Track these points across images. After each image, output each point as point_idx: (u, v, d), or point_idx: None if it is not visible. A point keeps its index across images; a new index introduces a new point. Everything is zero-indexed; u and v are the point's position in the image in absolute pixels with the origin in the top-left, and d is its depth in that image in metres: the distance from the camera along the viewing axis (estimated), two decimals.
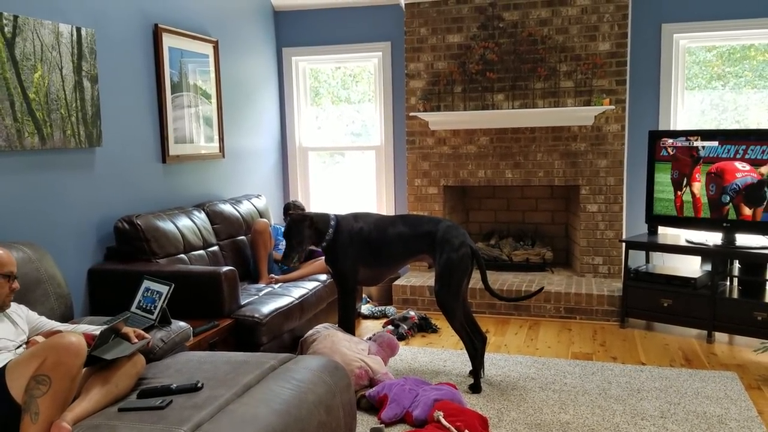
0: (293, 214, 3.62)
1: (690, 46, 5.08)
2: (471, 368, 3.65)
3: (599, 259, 5.05)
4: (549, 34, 4.94)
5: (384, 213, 5.81)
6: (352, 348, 3.44)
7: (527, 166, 5.11)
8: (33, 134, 3.16)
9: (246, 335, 3.42)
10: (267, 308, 3.55)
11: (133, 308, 2.92)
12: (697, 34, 4.95)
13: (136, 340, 2.44)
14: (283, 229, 4.72)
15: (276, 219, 5.73)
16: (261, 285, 4.11)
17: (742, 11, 4.83)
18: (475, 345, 3.51)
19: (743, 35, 4.90)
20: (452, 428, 2.80)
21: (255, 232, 4.29)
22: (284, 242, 4.62)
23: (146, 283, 2.95)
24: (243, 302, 3.62)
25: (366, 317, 4.96)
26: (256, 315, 3.45)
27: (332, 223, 3.61)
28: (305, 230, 3.56)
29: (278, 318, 3.57)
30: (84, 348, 2.11)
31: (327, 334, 3.51)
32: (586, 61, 4.87)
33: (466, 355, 3.98)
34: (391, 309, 4.98)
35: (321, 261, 4.38)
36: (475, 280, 5.03)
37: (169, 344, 2.76)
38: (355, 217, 3.67)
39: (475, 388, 3.46)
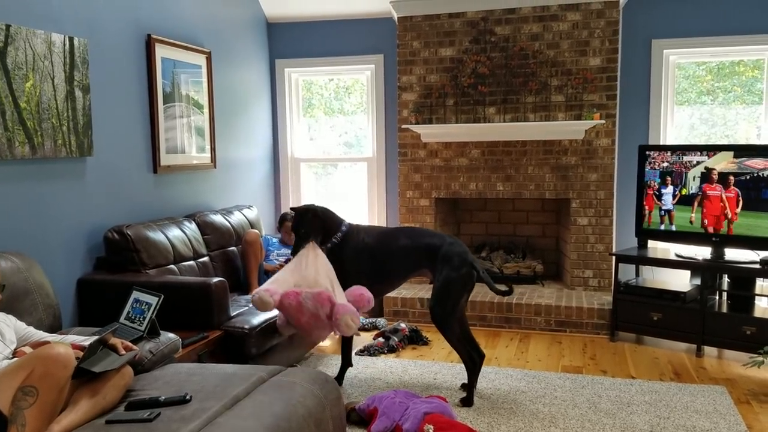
0: (308, 207, 3.65)
1: (680, 62, 5.13)
2: (465, 382, 3.64)
3: (589, 272, 5.07)
4: (540, 49, 4.98)
5: (375, 224, 5.81)
6: (329, 282, 3.43)
7: (518, 179, 5.13)
8: (24, 143, 3.15)
9: (235, 347, 3.40)
10: (256, 320, 3.54)
11: (122, 319, 2.90)
12: (687, 50, 5.01)
13: (123, 352, 2.42)
14: (273, 239, 4.72)
15: (267, 230, 5.71)
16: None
17: (731, 28, 4.89)
18: (474, 359, 3.52)
19: (732, 51, 4.96)
20: None
21: (246, 243, 4.28)
22: (275, 252, 4.62)
23: (135, 294, 2.94)
24: (233, 313, 3.60)
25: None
26: (246, 326, 3.43)
27: (343, 228, 3.65)
28: (310, 221, 3.57)
29: (267, 330, 3.56)
30: (72, 359, 2.10)
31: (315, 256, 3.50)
32: (576, 76, 4.91)
33: (457, 368, 3.97)
34: (381, 321, 4.97)
35: None
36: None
37: (157, 356, 2.74)
38: (364, 230, 3.68)
39: (467, 402, 3.45)
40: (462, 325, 3.59)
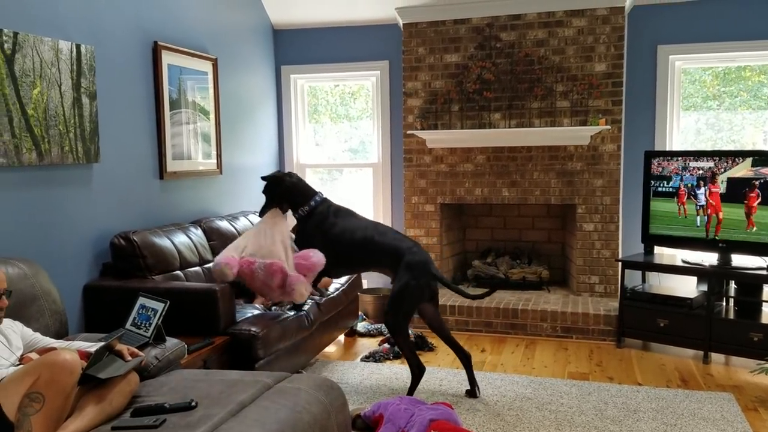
0: (281, 172, 3.84)
1: (686, 67, 5.12)
2: (410, 386, 3.67)
3: (595, 278, 5.05)
4: (545, 55, 4.98)
5: None
6: (283, 251, 3.57)
7: (524, 184, 5.13)
8: (31, 150, 3.17)
9: (242, 351, 3.40)
10: (263, 323, 3.54)
11: (128, 325, 2.91)
12: (693, 55, 5.00)
13: (129, 358, 2.42)
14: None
15: None
16: (256, 305, 4.09)
17: (737, 33, 4.88)
18: (421, 367, 3.60)
19: (738, 57, 4.95)
20: None
21: None
22: None
23: (141, 300, 2.95)
24: (239, 320, 3.60)
25: (362, 335, 4.94)
26: (253, 329, 3.43)
27: (312, 203, 3.77)
28: (276, 188, 3.76)
29: (274, 332, 3.55)
30: (78, 365, 2.10)
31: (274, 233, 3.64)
32: (582, 82, 4.91)
33: (462, 375, 3.97)
34: None
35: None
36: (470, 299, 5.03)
37: (163, 362, 2.75)
38: (336, 211, 3.79)
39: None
40: (442, 330, 3.68)
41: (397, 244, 3.62)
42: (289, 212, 3.89)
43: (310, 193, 3.83)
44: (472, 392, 3.65)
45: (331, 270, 3.79)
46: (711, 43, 4.94)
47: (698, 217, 4.39)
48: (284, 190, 3.80)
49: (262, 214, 3.84)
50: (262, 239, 3.64)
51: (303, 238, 3.77)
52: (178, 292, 3.38)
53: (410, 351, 3.58)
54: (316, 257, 3.62)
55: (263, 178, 3.85)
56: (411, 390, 3.63)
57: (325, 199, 3.86)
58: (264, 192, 3.85)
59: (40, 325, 2.81)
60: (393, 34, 5.60)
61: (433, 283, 3.57)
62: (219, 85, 4.89)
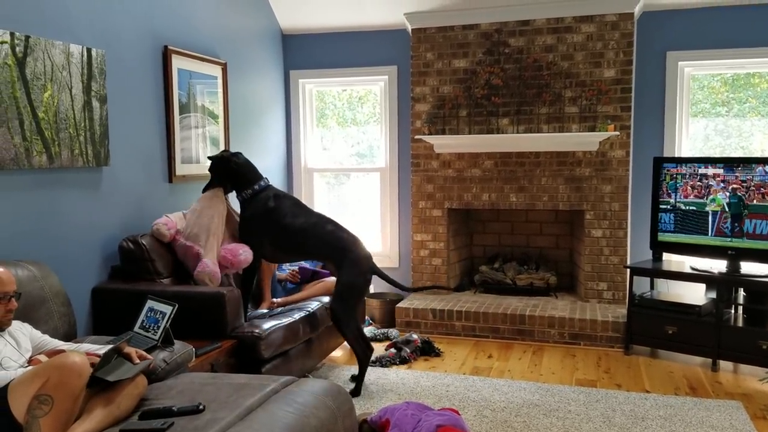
0: (230, 153, 3.86)
1: (695, 74, 5.11)
2: (355, 374, 3.89)
3: (603, 284, 5.03)
4: (554, 60, 4.97)
5: (387, 234, 5.82)
6: (206, 236, 3.68)
7: (532, 190, 5.12)
8: (41, 153, 3.19)
9: (247, 352, 3.39)
10: (267, 324, 3.54)
11: (136, 328, 2.92)
12: (702, 62, 4.99)
13: (138, 361, 2.43)
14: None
15: None
16: (263, 310, 4.09)
17: (746, 40, 4.86)
18: (366, 353, 3.78)
19: (748, 64, 4.93)
20: None
21: None
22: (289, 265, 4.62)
23: (150, 303, 2.95)
24: (243, 323, 3.60)
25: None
26: (256, 330, 3.43)
27: (255, 187, 3.84)
28: (218, 169, 3.82)
29: (279, 333, 3.54)
30: (87, 368, 2.11)
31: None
32: (591, 88, 4.90)
33: (470, 380, 3.96)
34: (393, 332, 4.96)
35: (323, 283, 4.37)
36: (478, 305, 5.02)
37: (171, 365, 2.75)
38: (280, 196, 3.87)
39: (356, 393, 3.74)
40: (357, 322, 3.85)
41: (341, 235, 3.78)
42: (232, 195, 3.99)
43: (255, 177, 3.89)
44: (357, 390, 3.76)
45: (271, 255, 3.89)
46: (720, 49, 4.92)
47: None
48: (230, 171, 3.85)
49: (204, 190, 3.90)
50: (191, 219, 3.74)
51: (244, 222, 3.84)
52: (186, 295, 3.39)
53: (355, 339, 3.75)
54: (244, 255, 3.74)
55: (210, 158, 3.90)
56: (359, 379, 3.77)
57: (270, 185, 3.93)
58: (210, 170, 3.90)
59: (49, 327, 2.82)
60: (401, 40, 5.61)
61: (371, 277, 3.85)
62: (228, 90, 4.91)
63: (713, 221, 4.35)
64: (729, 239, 4.28)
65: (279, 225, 3.79)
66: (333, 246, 3.75)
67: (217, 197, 3.83)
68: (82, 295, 3.50)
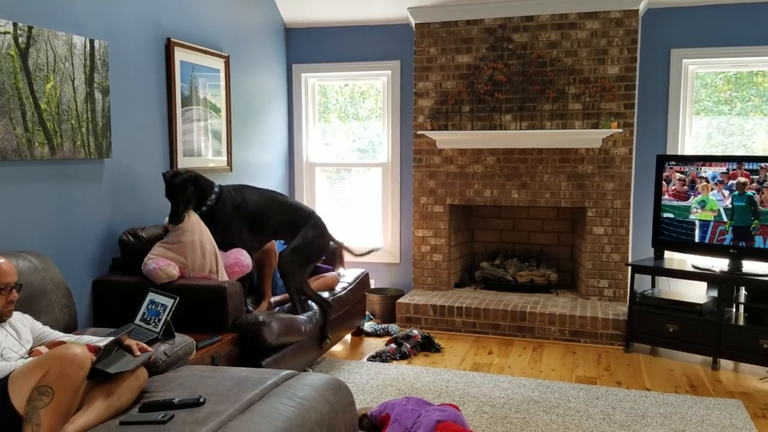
0: (178, 172, 3.68)
1: (699, 72, 5.09)
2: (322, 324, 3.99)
3: (605, 282, 5.03)
4: (558, 57, 4.96)
5: (389, 229, 5.81)
6: (214, 259, 3.62)
7: (534, 186, 5.11)
8: (43, 144, 3.18)
9: (249, 342, 3.36)
10: (269, 315, 3.52)
11: (137, 320, 2.92)
12: (706, 59, 4.97)
13: (138, 353, 2.43)
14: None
15: None
16: (262, 311, 4.04)
17: (751, 38, 4.85)
18: (304, 308, 3.91)
19: (752, 62, 4.91)
20: None
21: (261, 250, 4.26)
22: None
23: (151, 296, 2.95)
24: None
25: (368, 335, 4.94)
26: (261, 317, 3.41)
27: (216, 189, 3.82)
28: (189, 188, 3.67)
29: (281, 322, 3.52)
30: (88, 359, 2.11)
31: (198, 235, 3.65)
32: (594, 84, 4.89)
33: (470, 376, 3.96)
34: (394, 327, 4.96)
35: (326, 277, 4.36)
36: (478, 301, 5.02)
37: (172, 358, 2.75)
38: (238, 189, 3.90)
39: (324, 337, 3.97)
40: (305, 284, 3.96)
41: (304, 207, 3.99)
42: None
43: (209, 182, 3.83)
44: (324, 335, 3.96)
45: (251, 246, 3.92)
46: (724, 47, 4.90)
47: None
48: (197, 187, 3.70)
49: (175, 219, 3.57)
50: (192, 253, 3.55)
51: (224, 226, 3.80)
52: (187, 288, 3.38)
53: (297, 295, 3.85)
54: (246, 259, 3.78)
55: (168, 182, 3.60)
56: (324, 327, 3.95)
57: (222, 185, 3.91)
58: (173, 195, 3.57)
59: (50, 318, 2.82)
60: (405, 34, 5.59)
61: (328, 243, 4.00)
62: (230, 83, 4.90)
63: (702, 233, 4.34)
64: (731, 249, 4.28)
65: (257, 214, 3.87)
66: (303, 216, 3.92)
67: (196, 221, 3.65)
68: (83, 286, 3.50)
